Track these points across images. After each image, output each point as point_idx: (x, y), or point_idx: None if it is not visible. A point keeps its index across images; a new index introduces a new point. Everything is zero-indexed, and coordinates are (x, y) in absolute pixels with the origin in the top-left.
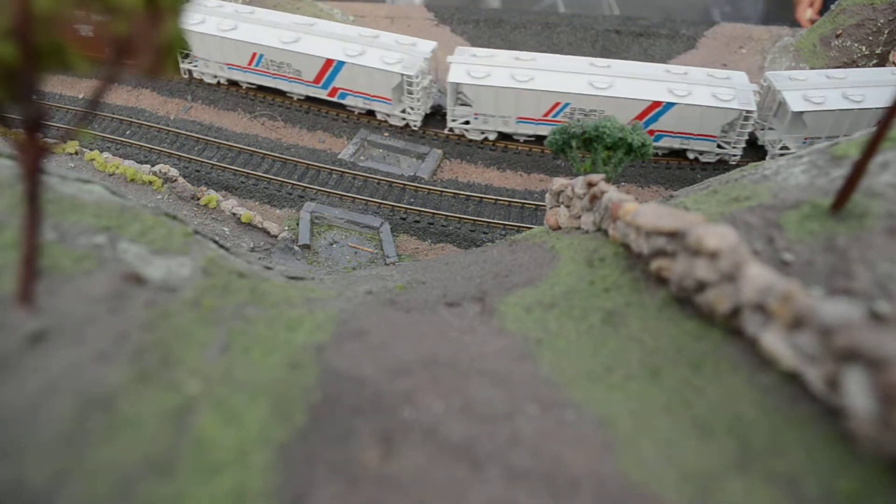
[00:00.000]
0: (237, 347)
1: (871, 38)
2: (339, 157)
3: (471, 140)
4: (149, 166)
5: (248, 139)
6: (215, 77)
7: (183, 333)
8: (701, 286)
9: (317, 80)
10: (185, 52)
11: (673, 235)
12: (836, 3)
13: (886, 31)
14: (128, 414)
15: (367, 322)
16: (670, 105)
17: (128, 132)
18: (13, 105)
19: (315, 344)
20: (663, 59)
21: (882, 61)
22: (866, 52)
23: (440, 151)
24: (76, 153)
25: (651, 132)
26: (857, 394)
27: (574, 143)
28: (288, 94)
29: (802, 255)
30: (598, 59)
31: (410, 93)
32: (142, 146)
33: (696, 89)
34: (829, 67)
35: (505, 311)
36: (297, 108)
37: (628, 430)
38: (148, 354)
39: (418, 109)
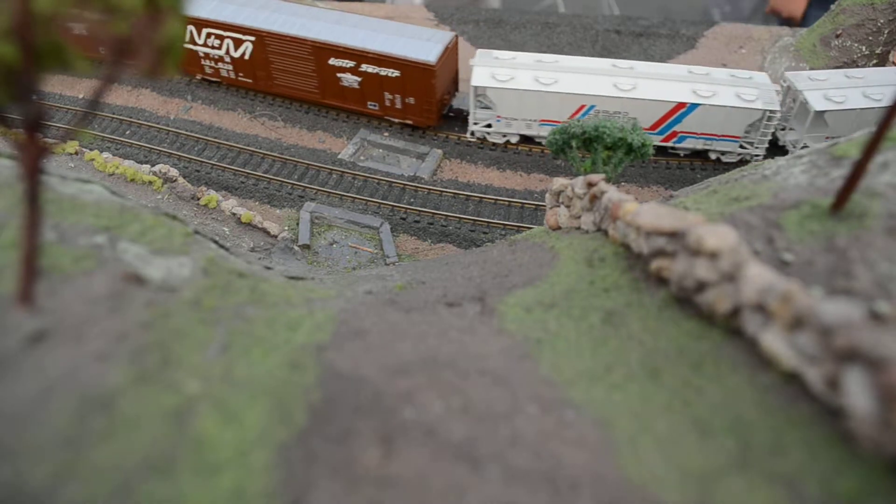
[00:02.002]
0: (237, 347)
1: (871, 38)
2: (339, 157)
3: (470, 140)
4: (149, 166)
5: (248, 139)
6: (504, 136)
7: (183, 333)
8: (701, 286)
9: (655, 126)
10: (466, 111)
11: (673, 235)
12: (836, 2)
13: (886, 31)
14: (128, 414)
15: (367, 322)
16: None
17: (128, 132)
18: (13, 105)
19: (315, 344)
20: (663, 59)
21: (882, 61)
22: (866, 52)
23: (440, 151)
24: (76, 153)
25: None
26: (857, 394)
27: (574, 143)
28: None
29: (802, 255)
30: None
31: (766, 128)
32: (142, 146)
33: None
34: (829, 67)
35: (505, 311)
36: (297, 108)
37: (628, 430)
38: (148, 354)
39: (764, 143)
